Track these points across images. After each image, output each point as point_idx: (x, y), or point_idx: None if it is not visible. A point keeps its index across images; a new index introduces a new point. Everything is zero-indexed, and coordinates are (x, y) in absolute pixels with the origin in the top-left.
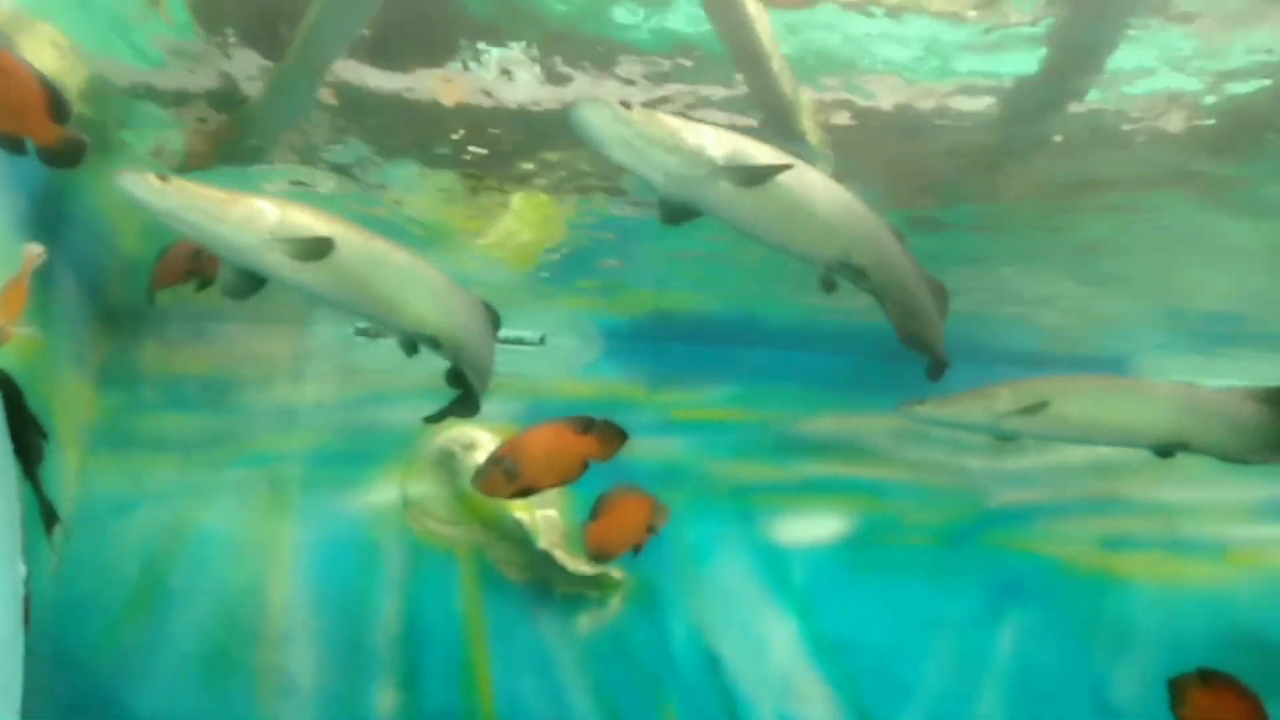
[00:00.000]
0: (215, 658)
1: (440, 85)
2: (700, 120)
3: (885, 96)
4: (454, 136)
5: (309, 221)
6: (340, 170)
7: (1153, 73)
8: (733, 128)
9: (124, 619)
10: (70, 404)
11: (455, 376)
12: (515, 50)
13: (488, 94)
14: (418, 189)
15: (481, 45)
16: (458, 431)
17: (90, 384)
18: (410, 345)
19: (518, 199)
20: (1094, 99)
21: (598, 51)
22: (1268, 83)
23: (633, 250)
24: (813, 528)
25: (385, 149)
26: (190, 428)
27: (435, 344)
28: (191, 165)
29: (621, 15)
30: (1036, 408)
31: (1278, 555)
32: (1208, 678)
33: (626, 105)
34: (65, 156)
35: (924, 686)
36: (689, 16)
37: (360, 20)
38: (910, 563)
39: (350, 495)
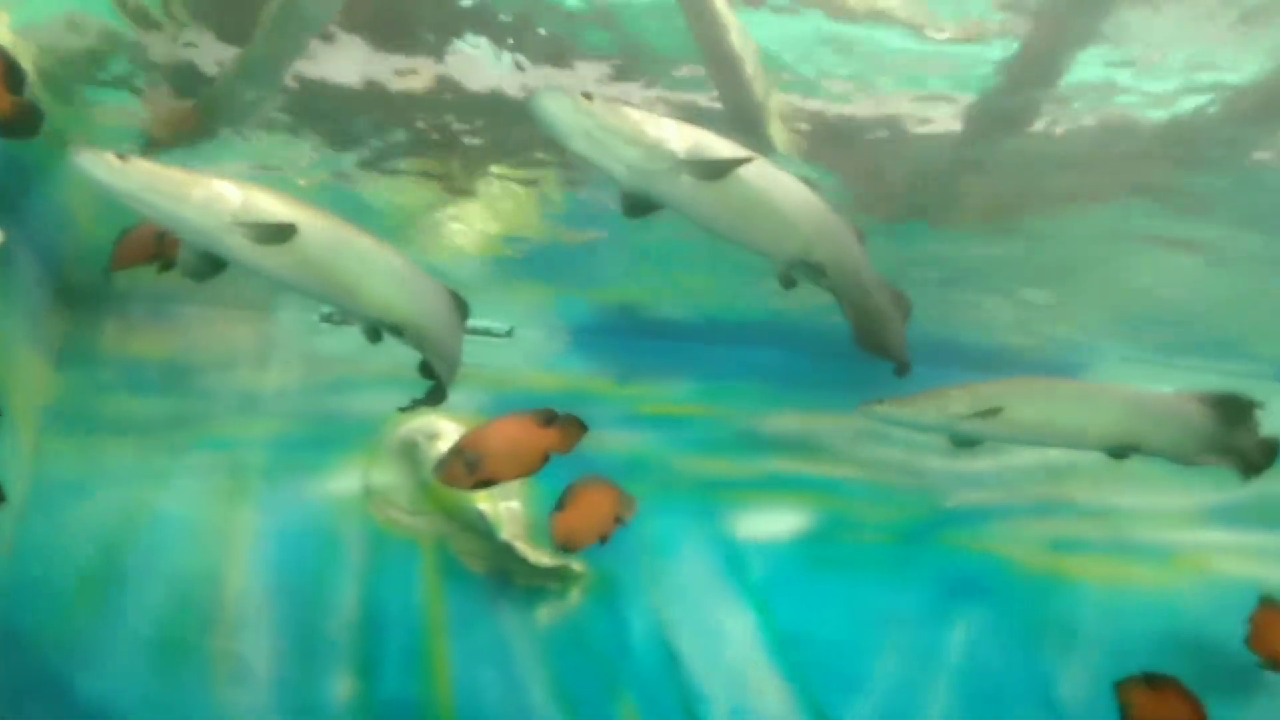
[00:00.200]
0: (169, 643)
1: (409, 72)
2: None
3: (850, 105)
4: (423, 124)
5: (272, 205)
6: (306, 156)
7: (1106, 88)
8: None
9: (77, 602)
10: (26, 384)
11: (426, 367)
12: (485, 38)
13: (457, 82)
14: (386, 177)
15: (451, 33)
16: (422, 421)
17: (47, 364)
18: (374, 332)
19: (488, 189)
20: (1050, 113)
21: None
22: (1213, 98)
23: (602, 244)
24: (772, 523)
25: (354, 136)
26: (150, 411)
27: (398, 331)
28: (154, 147)
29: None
30: (991, 410)
31: (1222, 561)
32: (1152, 680)
33: (588, 96)
34: (21, 126)
35: (877, 681)
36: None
37: (331, 6)
38: (866, 559)
39: (312, 483)
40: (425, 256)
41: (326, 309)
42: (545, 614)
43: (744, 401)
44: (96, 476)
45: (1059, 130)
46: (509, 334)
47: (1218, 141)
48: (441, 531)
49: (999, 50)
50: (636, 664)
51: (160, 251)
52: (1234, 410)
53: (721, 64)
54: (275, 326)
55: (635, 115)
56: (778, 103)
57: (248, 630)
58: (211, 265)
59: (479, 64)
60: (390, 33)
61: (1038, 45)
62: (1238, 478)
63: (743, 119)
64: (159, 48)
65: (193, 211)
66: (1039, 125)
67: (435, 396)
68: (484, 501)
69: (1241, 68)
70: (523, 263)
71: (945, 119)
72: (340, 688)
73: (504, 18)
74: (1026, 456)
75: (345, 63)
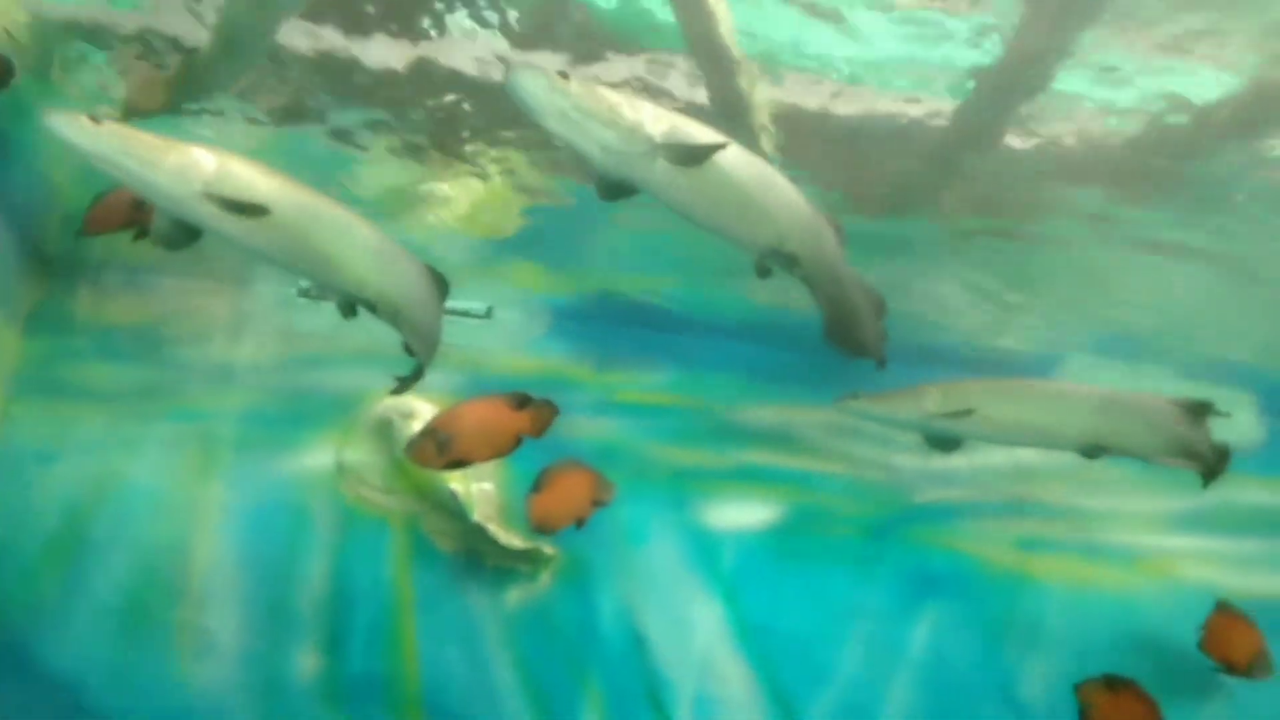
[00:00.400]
0: (133, 613)
1: (398, 50)
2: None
3: (836, 102)
4: (410, 102)
5: (248, 174)
6: (291, 131)
7: (1086, 99)
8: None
9: (41, 570)
10: None
11: (410, 345)
12: (478, 19)
13: (446, 62)
14: (370, 154)
15: (445, 12)
16: (396, 400)
17: (17, 330)
18: (348, 306)
19: (471, 169)
20: (1030, 119)
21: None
22: (1189, 110)
23: (585, 230)
24: (743, 514)
25: (338, 112)
26: (120, 380)
27: (372, 306)
28: (134, 112)
29: None
30: (964, 408)
31: (1185, 565)
32: (1111, 682)
33: (564, 75)
34: None
35: (840, 672)
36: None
37: None
38: (835, 553)
39: (283, 458)
40: (406, 235)
41: (304, 284)
42: (514, 596)
43: (720, 393)
44: (65, 444)
45: (1038, 136)
46: (487, 315)
47: (1194, 152)
48: (413, 510)
49: (983, 54)
50: (603, 649)
51: (136, 219)
52: (1197, 413)
53: (708, 55)
54: (251, 300)
55: (612, 97)
56: (763, 96)
57: (214, 603)
58: (185, 234)
59: (463, 42)
60: (373, 8)
61: (1020, 52)
62: (1199, 481)
63: (728, 111)
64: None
65: (166, 177)
66: (1019, 130)
67: (416, 375)
68: (456, 482)
69: (1218, 82)
70: (504, 245)
71: (926, 119)
72: (306, 663)
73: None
74: (997, 456)
75: (328, 37)
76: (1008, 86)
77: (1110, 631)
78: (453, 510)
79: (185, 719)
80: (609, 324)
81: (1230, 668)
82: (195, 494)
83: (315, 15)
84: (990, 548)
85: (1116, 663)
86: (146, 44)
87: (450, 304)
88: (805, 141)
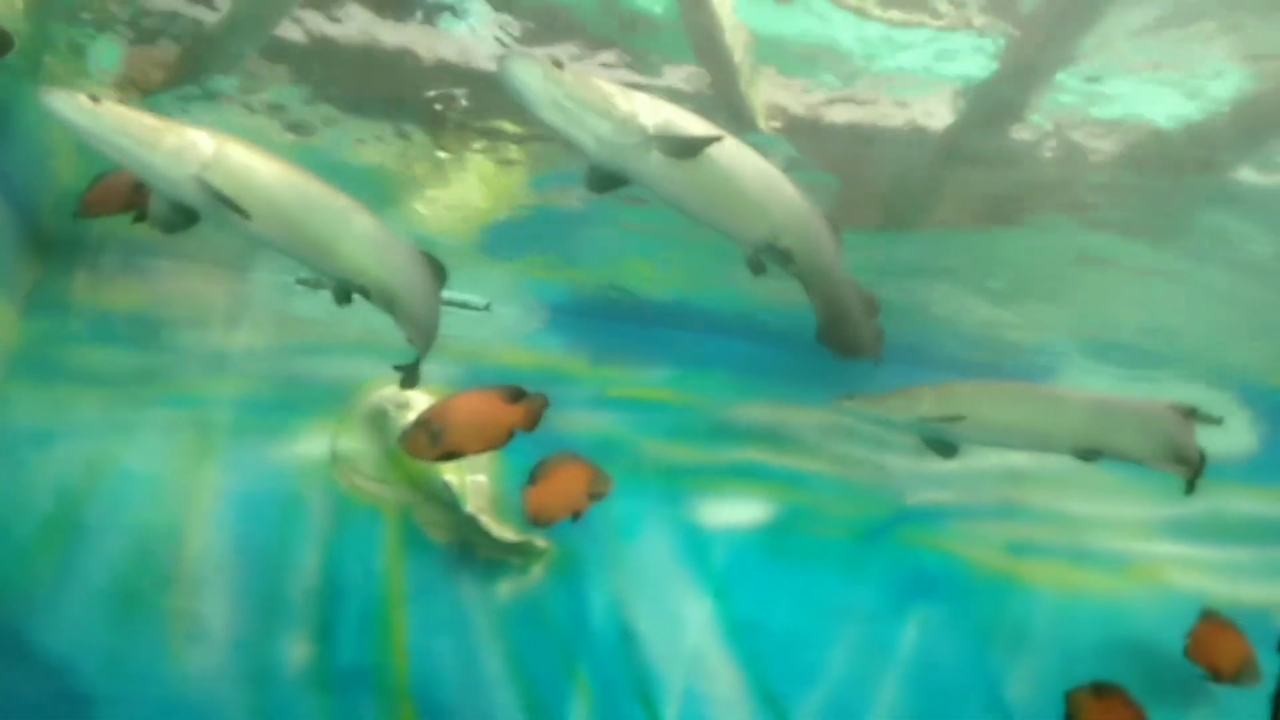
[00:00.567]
0: (126, 597)
1: (396, 37)
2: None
3: (832, 108)
4: (413, 91)
5: (246, 158)
6: (291, 117)
7: (1086, 106)
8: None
9: (33, 552)
10: None
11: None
12: (484, 9)
13: (451, 51)
14: (371, 142)
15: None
16: (392, 390)
17: (14, 311)
18: (343, 293)
19: (472, 162)
20: (1032, 126)
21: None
22: (1187, 121)
23: (585, 225)
24: (735, 512)
25: (339, 98)
26: (117, 363)
27: (366, 293)
28: (133, 91)
29: None
30: (959, 410)
31: (1174, 572)
32: (1100, 689)
33: (559, 65)
34: None
35: (828, 672)
36: None
37: None
38: (825, 552)
39: (277, 445)
40: (406, 227)
41: (303, 271)
42: (506, 588)
43: (715, 390)
44: (59, 427)
45: (1036, 145)
46: (486, 308)
47: (1192, 162)
48: (406, 501)
49: (982, 65)
50: (593, 642)
51: (135, 202)
52: (1187, 418)
53: (710, 51)
54: (249, 286)
55: (606, 87)
56: (764, 94)
57: (206, 589)
58: (183, 217)
59: (466, 33)
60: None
61: (1019, 61)
62: (1185, 487)
63: (730, 108)
64: None
65: (163, 158)
66: (1017, 138)
67: (417, 364)
68: (450, 473)
69: (1215, 92)
70: (504, 238)
71: (924, 128)
72: (296, 651)
73: None
74: (989, 459)
75: (334, 23)
76: (1003, 97)
77: (1098, 637)
78: (446, 501)
79: (176, 705)
80: (606, 319)
81: (1217, 675)
82: (189, 480)
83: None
84: (980, 550)
85: (1104, 668)
86: (146, 24)
87: (449, 296)
88: (803, 142)
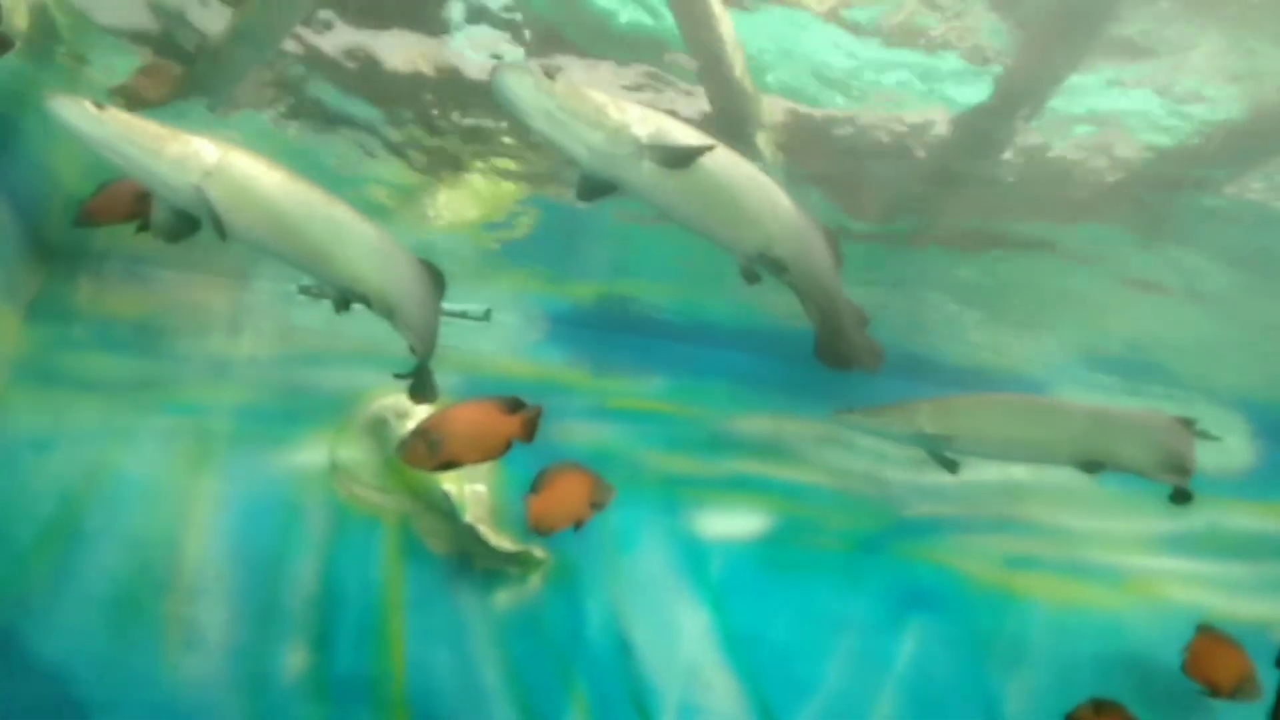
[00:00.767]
0: (123, 604)
1: (404, 51)
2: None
3: (833, 122)
4: (415, 104)
5: (249, 167)
6: (296, 127)
7: (1084, 120)
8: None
9: (31, 558)
10: None
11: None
12: (486, 25)
13: (453, 65)
14: (375, 153)
15: (453, 16)
16: (392, 400)
17: (17, 317)
18: (342, 302)
19: (473, 174)
20: (1031, 139)
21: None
22: (1184, 138)
23: (586, 236)
24: (733, 523)
25: (343, 110)
26: (118, 371)
27: (367, 301)
28: (137, 103)
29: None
30: (954, 423)
31: (1170, 586)
32: (1099, 706)
33: (550, 75)
34: None
35: (825, 684)
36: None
37: None
38: (822, 564)
39: (277, 454)
40: (407, 237)
41: (304, 281)
42: (503, 598)
43: (714, 401)
44: (60, 432)
45: (1035, 157)
46: (486, 317)
47: (1189, 178)
48: (405, 510)
49: (988, 72)
50: (590, 653)
51: (139, 211)
52: (1185, 428)
53: (711, 64)
54: (251, 295)
55: (598, 98)
56: (766, 108)
57: (204, 597)
58: (185, 225)
59: (470, 47)
60: (382, 11)
61: (1021, 73)
62: (1176, 497)
63: (730, 122)
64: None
65: (167, 166)
66: (1016, 151)
67: (419, 373)
68: (449, 483)
69: (1217, 107)
70: (505, 249)
71: (924, 142)
72: (293, 660)
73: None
74: (987, 473)
75: (336, 38)
76: (1002, 112)
77: (1095, 651)
78: (445, 511)
79: (172, 712)
80: (606, 330)
81: (1215, 690)
82: (189, 487)
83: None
84: (977, 564)
85: (1101, 682)
86: (164, 39)
87: (449, 305)
88: (803, 159)
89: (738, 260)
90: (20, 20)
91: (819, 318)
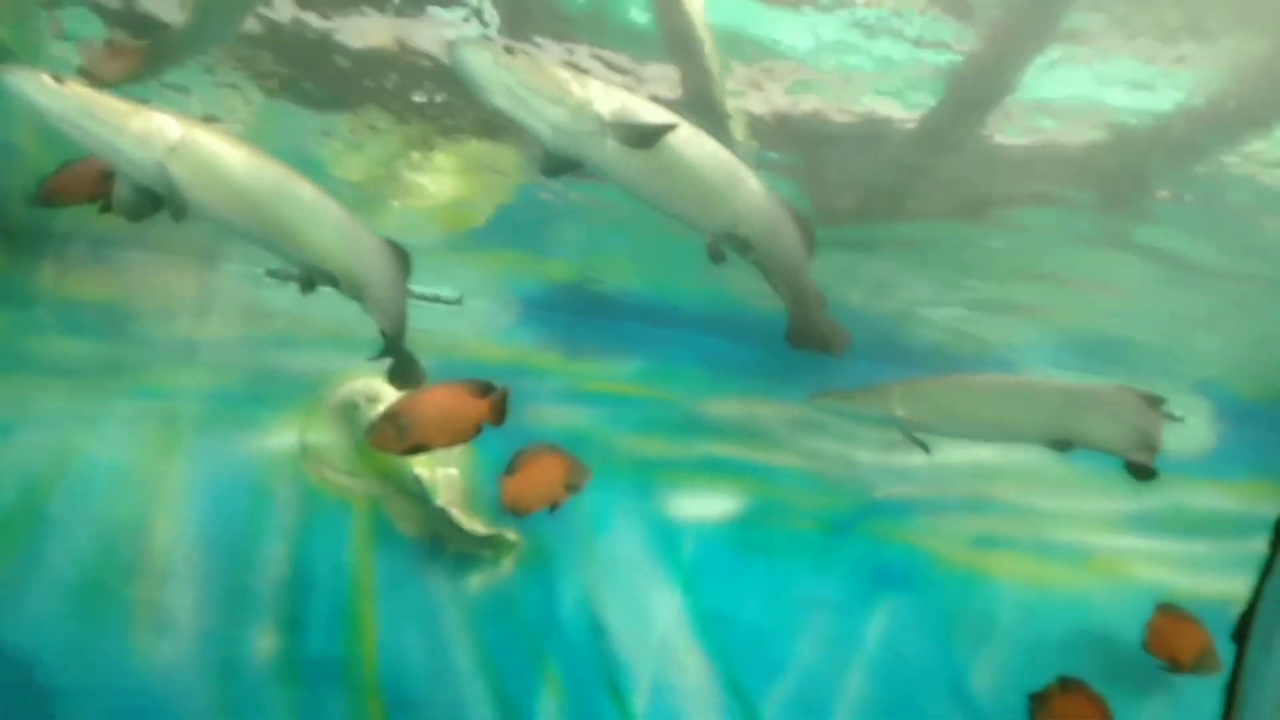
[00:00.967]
0: (91, 589)
1: (369, 30)
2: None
3: (804, 100)
4: (388, 85)
5: (212, 142)
6: (259, 108)
7: (1055, 102)
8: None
9: None
10: None
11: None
12: (456, 5)
13: (428, 45)
14: (345, 135)
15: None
16: (363, 383)
17: None
18: (308, 282)
19: (446, 156)
20: (1003, 122)
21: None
22: (1153, 120)
23: (558, 220)
24: (706, 506)
25: (313, 91)
26: (84, 354)
27: (334, 281)
28: (94, 82)
29: None
30: (926, 403)
31: (1135, 565)
32: (1065, 685)
33: (510, 50)
34: None
35: (796, 663)
36: None
37: None
38: (794, 546)
39: (246, 437)
40: (379, 220)
41: (273, 263)
42: (476, 581)
43: (687, 385)
44: (24, 417)
45: (1009, 137)
46: (458, 301)
47: (1164, 157)
48: (376, 494)
49: (955, 54)
50: (563, 635)
51: (103, 190)
52: (1154, 406)
53: (682, 47)
54: (219, 277)
55: (560, 73)
56: (735, 89)
57: (172, 581)
58: (147, 203)
59: (442, 26)
60: None
61: (992, 51)
62: (1140, 475)
63: (702, 105)
64: None
65: (129, 142)
66: (989, 130)
67: (391, 354)
68: (421, 466)
69: (1189, 85)
70: (477, 233)
71: (895, 122)
72: (263, 643)
73: None
74: (956, 454)
75: (307, 15)
76: (974, 90)
77: (1061, 628)
78: (416, 495)
79: (141, 696)
80: (578, 314)
81: (1176, 666)
82: (156, 471)
83: None
84: (946, 544)
85: (1067, 659)
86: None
87: (422, 289)
88: (773, 141)
89: (705, 238)
90: None
91: (790, 300)
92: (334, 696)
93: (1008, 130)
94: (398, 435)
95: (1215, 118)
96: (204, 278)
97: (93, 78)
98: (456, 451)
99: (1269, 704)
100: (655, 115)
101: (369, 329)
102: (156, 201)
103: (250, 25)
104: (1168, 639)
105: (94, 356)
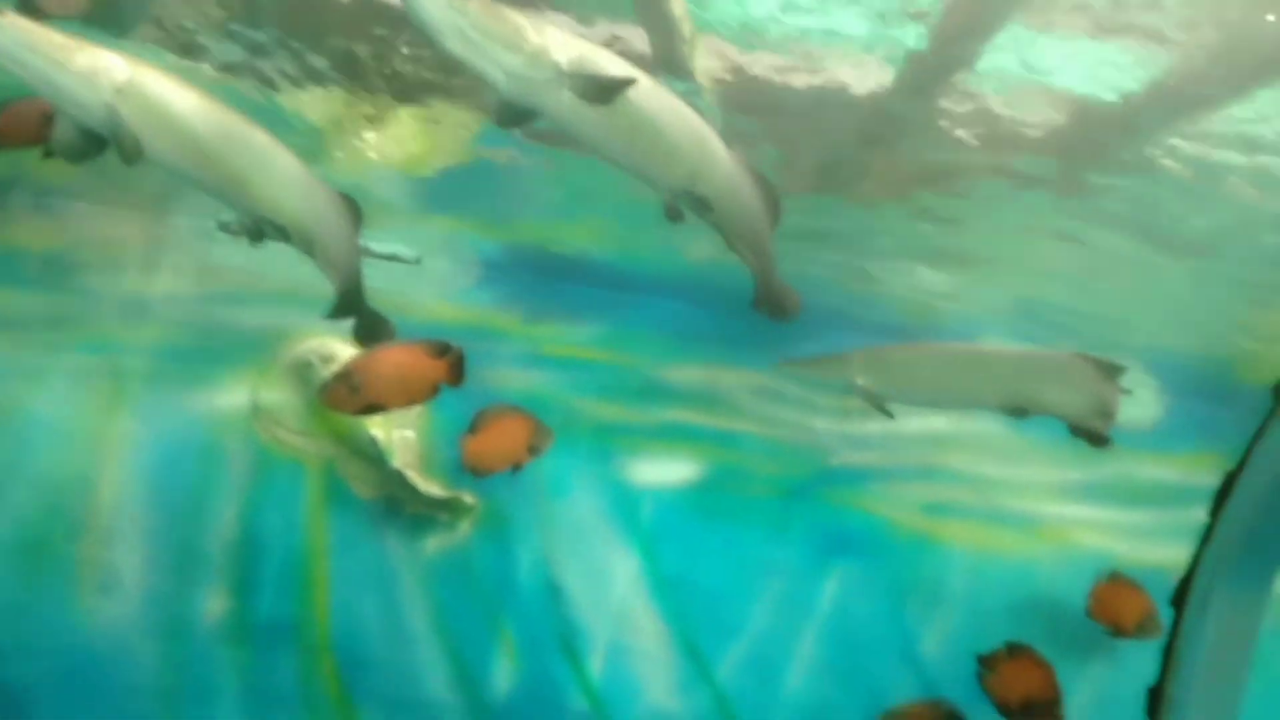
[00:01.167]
0: (33, 547)
1: None
2: None
3: (766, 69)
4: (350, 35)
5: (161, 85)
6: (220, 55)
7: (1016, 75)
8: None
9: None
10: None
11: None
12: None
13: None
14: (304, 85)
15: None
16: (318, 342)
17: None
18: (257, 233)
19: (406, 112)
20: (963, 93)
21: None
22: (1109, 97)
23: (519, 180)
24: (664, 471)
25: (272, 39)
26: (27, 307)
27: (285, 234)
28: (42, 15)
29: None
30: (886, 370)
31: (1081, 533)
32: (1012, 648)
33: None
34: None
35: (751, 626)
36: None
37: None
38: (750, 511)
39: (196, 395)
40: (338, 175)
41: (224, 216)
42: (432, 544)
43: (648, 350)
44: None
45: (967, 111)
46: (417, 261)
47: (1120, 137)
48: (330, 455)
49: (916, 29)
50: (519, 598)
51: (47, 134)
52: (1110, 373)
53: (650, 9)
54: (168, 230)
55: (517, 19)
56: (703, 53)
57: (119, 540)
58: (90, 145)
59: None
60: None
61: (951, 26)
62: (1096, 441)
63: (669, 66)
64: None
65: (73, 80)
66: (948, 105)
67: (349, 308)
68: (377, 428)
69: (1145, 62)
70: (436, 192)
71: (858, 93)
72: (212, 604)
73: None
74: (911, 423)
75: None
76: (936, 62)
77: (1008, 593)
78: (372, 456)
79: (86, 656)
80: (539, 277)
81: (1119, 630)
82: (102, 428)
83: None
84: (899, 511)
85: (1014, 624)
86: None
87: (380, 248)
88: (741, 101)
89: (662, 195)
90: None
91: (754, 258)
92: (286, 657)
93: (965, 104)
94: (350, 394)
95: (1168, 96)
96: (153, 230)
97: (37, 11)
98: (413, 413)
99: (1202, 665)
100: (615, 67)
101: (326, 287)
102: (100, 143)
103: None
104: (1111, 605)
105: (37, 309)
